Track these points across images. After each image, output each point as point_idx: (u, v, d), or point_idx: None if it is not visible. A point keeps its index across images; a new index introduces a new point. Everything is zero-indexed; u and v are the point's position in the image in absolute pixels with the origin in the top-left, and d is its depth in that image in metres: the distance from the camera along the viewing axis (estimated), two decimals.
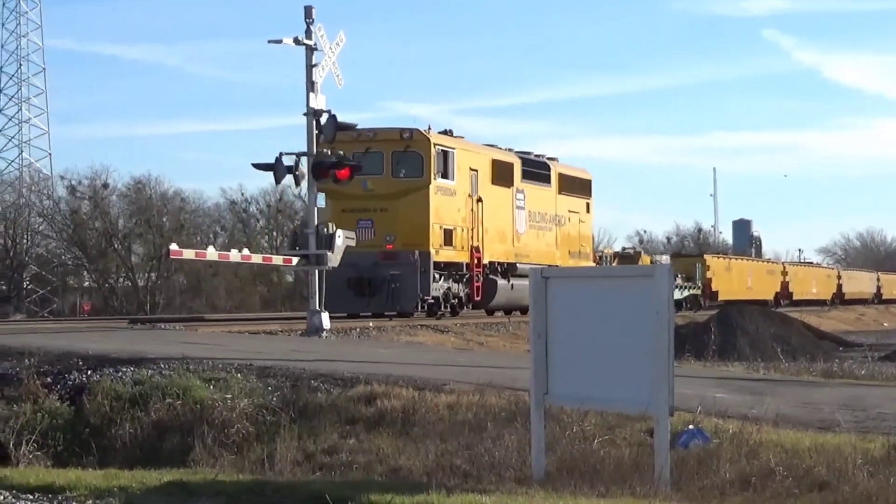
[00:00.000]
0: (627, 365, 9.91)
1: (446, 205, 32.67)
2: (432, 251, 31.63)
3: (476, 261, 33.83)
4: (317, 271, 25.54)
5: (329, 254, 25.34)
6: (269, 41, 25.45)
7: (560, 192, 39.97)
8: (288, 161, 25.34)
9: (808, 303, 71.54)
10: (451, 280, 33.30)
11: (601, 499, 9.40)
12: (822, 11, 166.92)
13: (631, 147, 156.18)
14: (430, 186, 31.89)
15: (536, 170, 38.43)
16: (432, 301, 32.39)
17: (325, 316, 25.26)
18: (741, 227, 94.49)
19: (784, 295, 69.45)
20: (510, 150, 38.00)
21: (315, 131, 25.34)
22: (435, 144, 32.23)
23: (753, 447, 11.11)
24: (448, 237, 32.58)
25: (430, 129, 32.92)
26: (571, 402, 11.07)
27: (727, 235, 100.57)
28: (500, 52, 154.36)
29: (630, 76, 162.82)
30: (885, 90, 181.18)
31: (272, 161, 25.33)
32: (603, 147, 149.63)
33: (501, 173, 35.86)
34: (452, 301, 33.63)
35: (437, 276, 32.19)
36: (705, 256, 61.64)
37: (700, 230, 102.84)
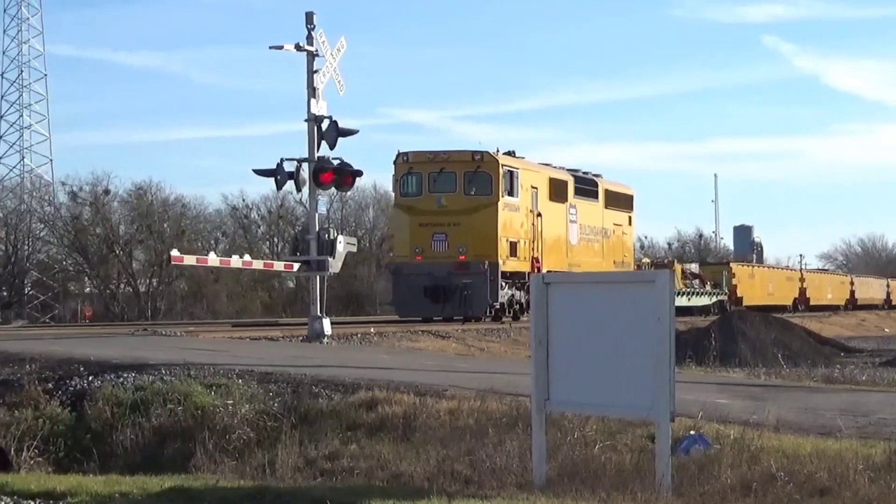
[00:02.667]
0: (629, 371, 9.91)
1: (511, 220, 35.74)
2: (500, 262, 34.55)
3: (536, 270, 36.23)
4: (318, 277, 25.54)
5: (330, 259, 25.35)
6: (271, 47, 25.48)
7: (606, 207, 43.26)
8: (289, 167, 25.39)
9: (824, 308, 74.24)
10: (514, 288, 35.97)
11: None
12: (822, 18, 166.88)
13: (631, 153, 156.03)
14: (499, 203, 34.92)
15: (586, 186, 41.72)
16: (499, 307, 35.14)
17: (326, 322, 25.26)
18: (742, 232, 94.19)
19: (802, 300, 72.34)
20: (562, 167, 41.04)
21: (316, 137, 25.37)
22: (502, 165, 35.34)
23: (754, 453, 11.11)
24: (513, 249, 35.58)
25: (497, 151, 35.99)
26: (572, 407, 11.08)
27: (728, 241, 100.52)
28: (499, 59, 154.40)
29: (630, 83, 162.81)
30: (885, 97, 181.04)
31: (274, 167, 25.37)
32: (603, 153, 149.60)
33: (557, 190, 39.00)
34: (515, 307, 36.20)
35: (503, 284, 35.00)
36: (731, 265, 64.63)
37: (701, 236, 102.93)
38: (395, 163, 35.46)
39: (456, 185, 34.85)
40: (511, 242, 35.40)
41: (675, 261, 60.22)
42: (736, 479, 10.28)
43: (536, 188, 37.31)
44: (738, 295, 60.85)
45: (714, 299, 56.54)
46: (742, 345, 36.41)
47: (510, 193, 35.46)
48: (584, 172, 42.42)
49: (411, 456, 12.19)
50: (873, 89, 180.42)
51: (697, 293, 54.63)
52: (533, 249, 36.63)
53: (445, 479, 11.13)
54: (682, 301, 50.53)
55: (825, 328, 57.11)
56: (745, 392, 16.96)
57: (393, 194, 38.48)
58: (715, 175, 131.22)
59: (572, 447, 11.50)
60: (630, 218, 45.82)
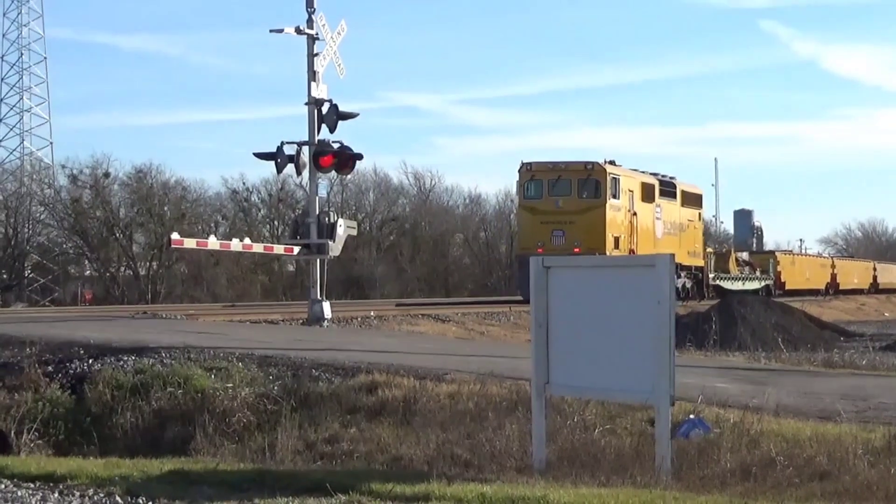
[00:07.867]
0: (629, 354, 9.90)
1: (615, 218, 42.01)
2: (607, 253, 40.03)
3: None
4: (318, 260, 25.52)
5: (330, 243, 25.33)
6: (271, 30, 25.47)
7: (682, 205, 49.56)
8: (289, 150, 25.35)
9: (852, 291, 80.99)
10: None
11: (602, 488, 9.40)
12: (820, 3, 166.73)
13: (631, 137, 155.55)
14: (606, 205, 41.24)
15: (667, 189, 47.96)
16: None
17: (326, 305, 25.26)
18: (742, 217, 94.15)
19: (832, 285, 78.70)
20: (645, 171, 46.94)
21: (317, 120, 25.33)
22: (609, 174, 41.77)
23: (754, 437, 11.11)
24: (616, 242, 41.68)
25: (605, 161, 42.39)
26: (572, 391, 11.06)
27: (728, 226, 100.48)
28: (499, 43, 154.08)
29: (629, 67, 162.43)
30: (883, 81, 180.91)
31: (274, 150, 25.33)
32: (602, 137, 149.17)
33: (647, 192, 45.26)
34: None
35: None
36: (776, 253, 72.18)
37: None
38: (519, 171, 42.04)
39: (571, 189, 41.38)
40: (615, 237, 41.55)
41: (732, 250, 65.09)
42: (736, 463, 10.28)
43: (632, 191, 43.51)
44: (782, 280, 67.19)
45: (762, 284, 62.41)
46: (742, 329, 36.39)
47: (614, 196, 41.80)
48: (662, 175, 48.32)
49: (411, 439, 12.19)
50: (872, 74, 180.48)
51: (749, 279, 60.46)
52: (630, 242, 42.62)
53: (445, 462, 11.13)
54: (738, 285, 56.77)
55: (825, 312, 57.13)
56: (745, 376, 16.97)
57: (517, 197, 44.94)
58: (715, 159, 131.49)
59: (572, 431, 11.50)
60: (700, 214, 52.46)
